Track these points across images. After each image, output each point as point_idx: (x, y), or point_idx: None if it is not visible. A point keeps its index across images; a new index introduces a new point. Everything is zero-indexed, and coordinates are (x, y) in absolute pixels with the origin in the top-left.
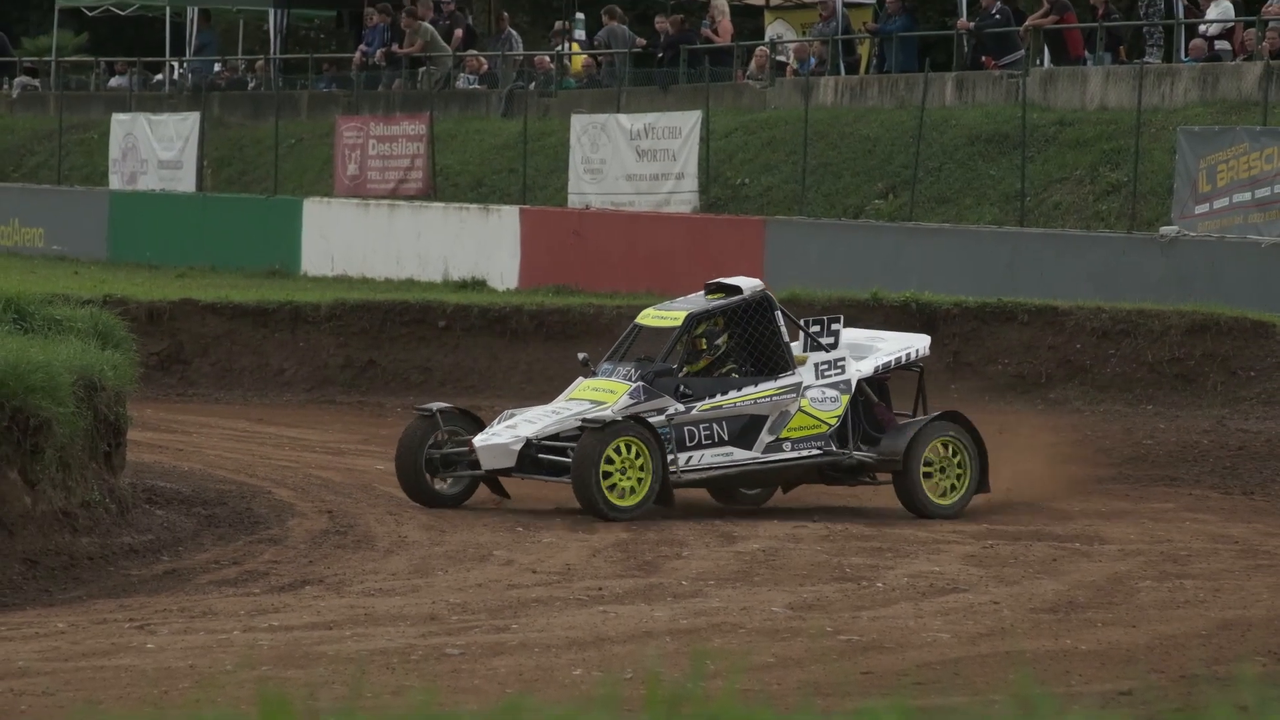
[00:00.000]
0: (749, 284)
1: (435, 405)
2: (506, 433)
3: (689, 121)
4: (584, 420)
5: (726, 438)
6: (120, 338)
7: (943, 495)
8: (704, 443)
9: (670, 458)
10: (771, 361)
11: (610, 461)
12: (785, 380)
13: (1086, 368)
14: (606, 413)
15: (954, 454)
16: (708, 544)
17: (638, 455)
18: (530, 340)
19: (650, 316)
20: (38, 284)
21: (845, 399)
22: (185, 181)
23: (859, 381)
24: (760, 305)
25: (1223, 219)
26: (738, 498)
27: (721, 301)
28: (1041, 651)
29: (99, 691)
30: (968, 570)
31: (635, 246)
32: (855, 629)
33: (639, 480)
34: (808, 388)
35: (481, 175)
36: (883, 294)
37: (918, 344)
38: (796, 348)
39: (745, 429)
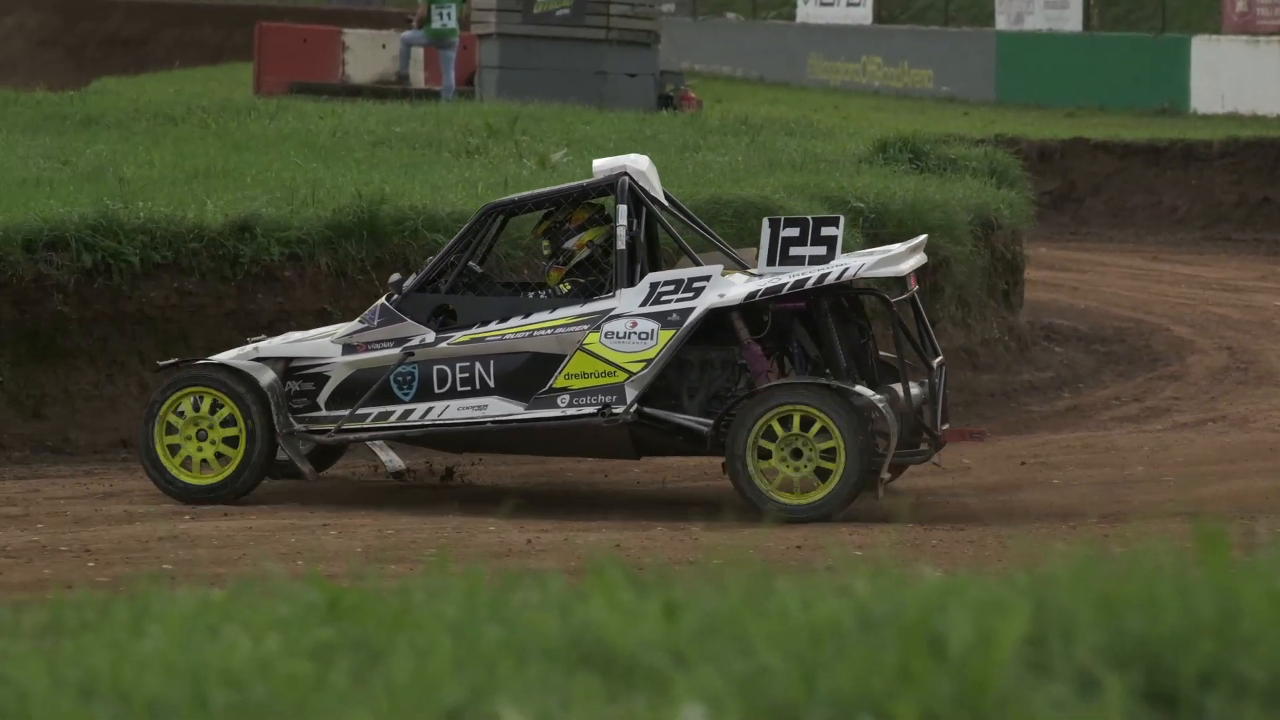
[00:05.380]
0: (606, 165)
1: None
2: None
3: None
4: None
5: (492, 384)
6: (1015, 176)
7: (795, 491)
8: (459, 389)
9: (375, 411)
10: (604, 276)
11: (173, 429)
12: (593, 305)
13: None
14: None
15: (813, 431)
16: None
17: (217, 409)
18: None
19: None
20: (929, 124)
21: (667, 335)
22: (1072, 21)
23: (725, 313)
24: (604, 195)
25: None
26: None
27: (544, 190)
28: None
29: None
30: None
31: None
32: None
33: (228, 445)
34: (613, 317)
35: None
36: None
37: (864, 261)
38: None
39: (523, 372)
